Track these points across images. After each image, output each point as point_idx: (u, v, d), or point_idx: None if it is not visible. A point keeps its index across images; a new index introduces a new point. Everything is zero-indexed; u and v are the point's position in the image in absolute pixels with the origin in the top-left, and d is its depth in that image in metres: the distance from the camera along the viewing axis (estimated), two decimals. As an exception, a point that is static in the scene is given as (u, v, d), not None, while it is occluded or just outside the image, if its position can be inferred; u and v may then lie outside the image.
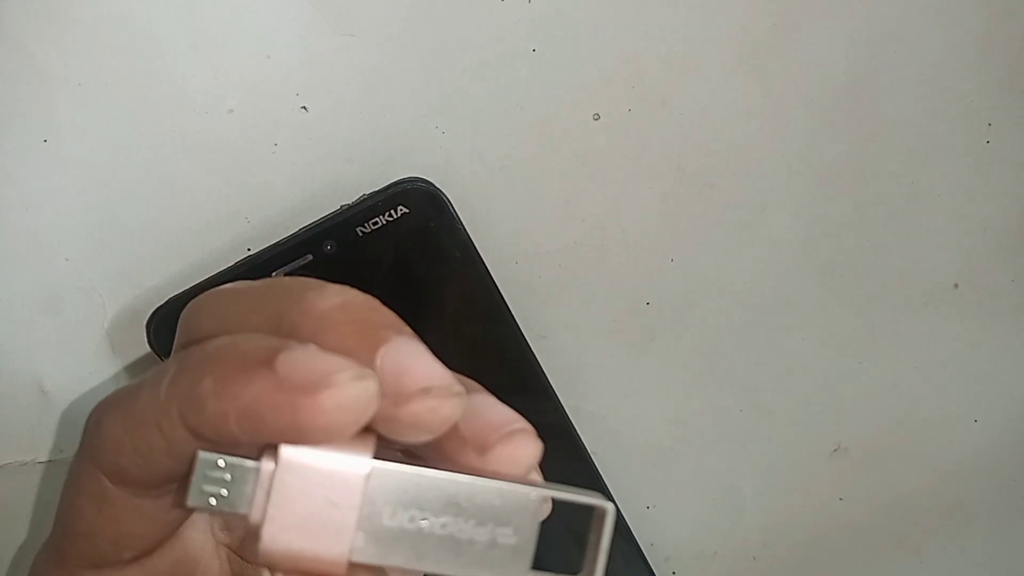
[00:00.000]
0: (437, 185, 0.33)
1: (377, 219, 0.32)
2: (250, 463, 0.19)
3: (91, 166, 0.31)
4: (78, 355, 0.33)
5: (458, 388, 0.20)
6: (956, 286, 0.40)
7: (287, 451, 0.19)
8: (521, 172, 0.35)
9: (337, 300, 0.20)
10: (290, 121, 0.32)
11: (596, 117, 0.35)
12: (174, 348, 0.23)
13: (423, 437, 0.19)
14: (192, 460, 0.19)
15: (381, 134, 0.33)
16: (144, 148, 0.31)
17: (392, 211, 0.32)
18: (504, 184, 0.35)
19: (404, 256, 0.33)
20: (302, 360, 0.18)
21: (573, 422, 0.37)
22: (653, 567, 0.39)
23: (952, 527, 0.43)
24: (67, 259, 0.31)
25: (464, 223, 0.33)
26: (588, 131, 0.35)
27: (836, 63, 0.36)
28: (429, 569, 0.19)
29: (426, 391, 0.19)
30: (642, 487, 0.39)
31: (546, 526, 0.21)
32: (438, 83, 0.33)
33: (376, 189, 0.32)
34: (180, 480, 0.21)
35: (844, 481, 0.42)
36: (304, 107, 0.32)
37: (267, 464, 0.19)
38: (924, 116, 0.37)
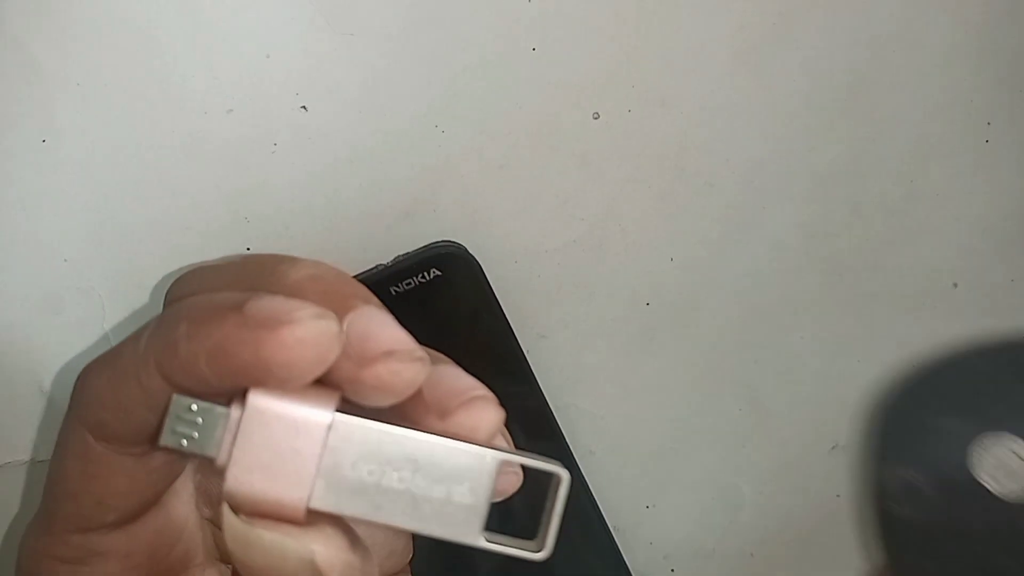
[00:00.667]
0: (469, 250, 0.34)
1: (411, 280, 0.33)
2: (220, 408, 0.20)
3: (90, 166, 0.31)
4: (78, 355, 0.33)
5: (420, 354, 0.20)
6: (955, 285, 0.40)
7: (254, 398, 0.19)
8: (521, 171, 0.35)
9: (308, 271, 0.21)
10: (289, 121, 0.32)
11: (596, 116, 0.35)
12: None
13: (386, 400, 0.20)
14: (167, 404, 0.20)
15: (381, 134, 0.33)
16: (143, 148, 0.31)
17: (425, 273, 0.33)
18: (504, 183, 0.35)
19: (435, 317, 0.34)
20: (266, 303, 0.19)
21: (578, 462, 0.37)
22: (652, 565, 0.39)
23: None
24: (66, 259, 0.31)
25: (494, 288, 0.34)
26: (588, 130, 0.35)
27: (835, 62, 0.36)
28: (384, 521, 0.20)
29: (389, 354, 0.20)
30: (641, 486, 0.40)
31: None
32: (438, 82, 0.33)
33: (411, 251, 0.33)
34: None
35: (842, 479, 0.42)
36: (304, 107, 0.32)
37: (236, 410, 0.20)
38: (923, 115, 0.37)
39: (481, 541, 0.20)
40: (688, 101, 0.35)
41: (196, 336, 0.20)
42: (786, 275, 0.39)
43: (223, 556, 0.26)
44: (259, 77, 0.31)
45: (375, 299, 0.22)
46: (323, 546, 0.20)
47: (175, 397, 0.20)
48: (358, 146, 0.33)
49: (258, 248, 0.33)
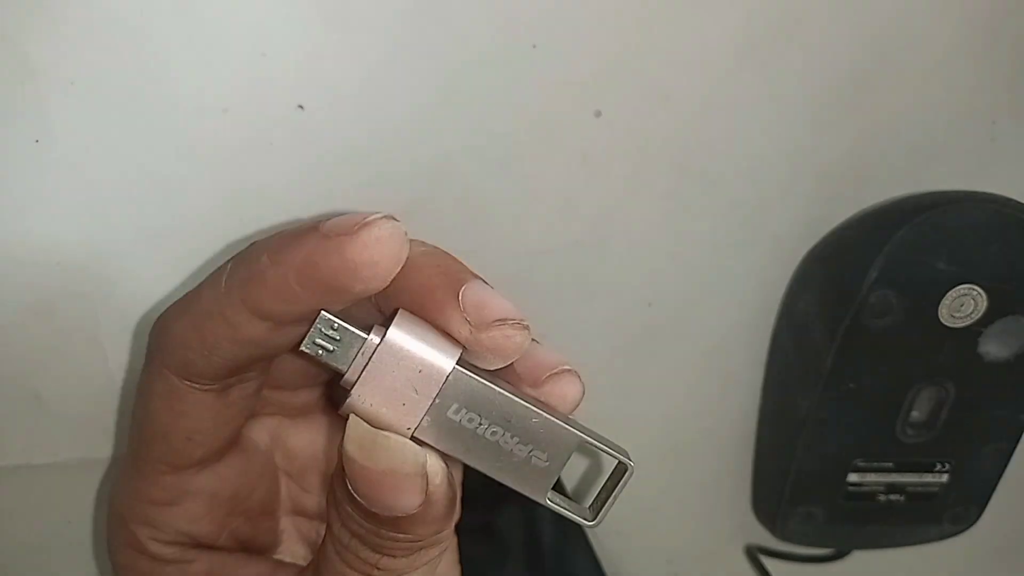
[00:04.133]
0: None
1: None
2: (360, 332, 0.22)
3: (84, 167, 0.30)
4: (71, 360, 0.32)
5: (527, 323, 0.23)
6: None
7: (394, 333, 0.22)
8: (521, 169, 0.34)
9: (420, 248, 0.24)
10: (286, 120, 0.31)
11: (597, 114, 0.34)
12: None
13: (497, 362, 0.23)
14: (313, 318, 0.23)
15: (379, 132, 0.32)
16: (138, 148, 0.30)
17: None
18: (504, 181, 0.34)
19: None
20: (339, 218, 0.22)
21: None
22: (655, 569, 0.39)
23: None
24: (59, 263, 0.31)
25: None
26: (589, 128, 0.34)
27: (840, 59, 0.35)
28: (471, 464, 0.23)
29: (503, 321, 0.23)
30: (643, 489, 0.39)
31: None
32: (437, 80, 0.32)
33: None
34: (241, 372, 0.25)
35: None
36: (300, 105, 0.31)
37: (374, 338, 0.22)
38: (928, 113, 0.37)
39: (545, 501, 0.24)
40: (691, 98, 0.35)
41: (281, 261, 0.22)
42: (789, 273, 0.38)
43: (295, 508, 0.30)
44: (255, 76, 0.30)
45: (479, 275, 0.25)
46: (432, 457, 0.23)
47: (322, 314, 0.22)
48: (356, 145, 0.32)
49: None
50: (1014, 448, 0.40)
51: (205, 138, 0.31)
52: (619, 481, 0.24)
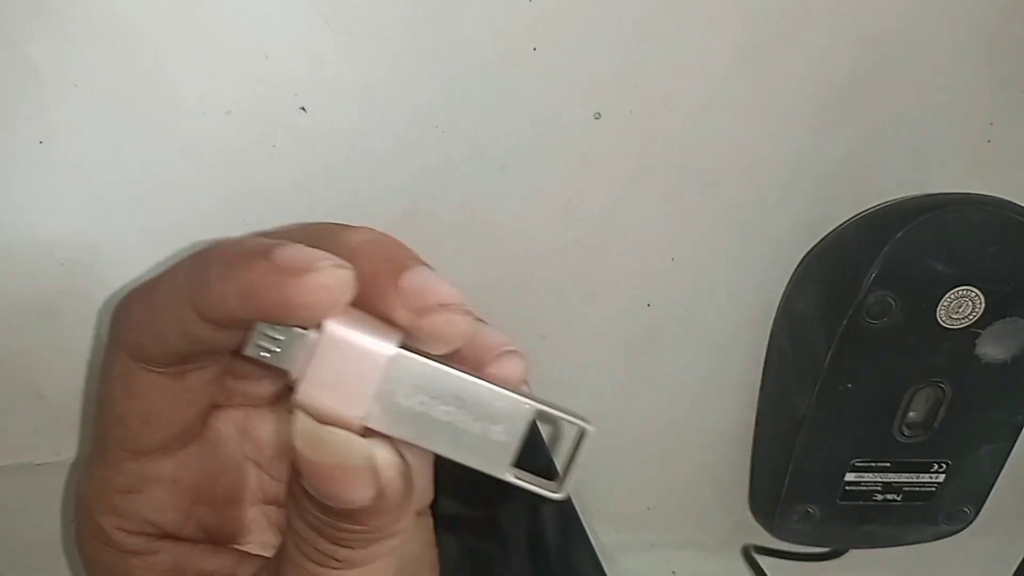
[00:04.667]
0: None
1: None
2: (299, 331, 0.22)
3: (86, 168, 0.30)
4: (73, 359, 0.32)
5: (470, 308, 0.23)
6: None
7: (331, 326, 0.22)
8: (522, 171, 0.35)
9: (367, 236, 0.24)
10: (289, 122, 0.31)
11: (597, 116, 0.34)
12: None
13: (440, 348, 0.23)
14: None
15: (380, 134, 0.32)
16: (140, 150, 0.30)
17: None
18: (505, 183, 0.34)
19: None
20: (292, 251, 0.22)
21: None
22: (654, 567, 0.39)
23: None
24: (62, 263, 0.31)
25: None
26: (589, 130, 0.34)
27: (838, 62, 0.36)
28: (427, 447, 0.23)
29: (445, 306, 0.22)
30: (642, 488, 0.39)
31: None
32: (438, 83, 0.32)
33: None
34: (193, 361, 0.25)
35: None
36: (303, 108, 0.31)
37: (313, 333, 0.22)
38: (926, 115, 0.37)
39: (509, 476, 0.23)
40: (690, 100, 0.35)
41: (227, 277, 0.22)
42: (788, 274, 0.38)
43: (266, 498, 0.30)
44: (258, 78, 0.31)
45: (425, 262, 0.24)
46: (381, 448, 0.22)
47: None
48: (358, 147, 0.32)
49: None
50: (1011, 449, 0.40)
51: (208, 139, 0.31)
52: (579, 447, 0.23)
